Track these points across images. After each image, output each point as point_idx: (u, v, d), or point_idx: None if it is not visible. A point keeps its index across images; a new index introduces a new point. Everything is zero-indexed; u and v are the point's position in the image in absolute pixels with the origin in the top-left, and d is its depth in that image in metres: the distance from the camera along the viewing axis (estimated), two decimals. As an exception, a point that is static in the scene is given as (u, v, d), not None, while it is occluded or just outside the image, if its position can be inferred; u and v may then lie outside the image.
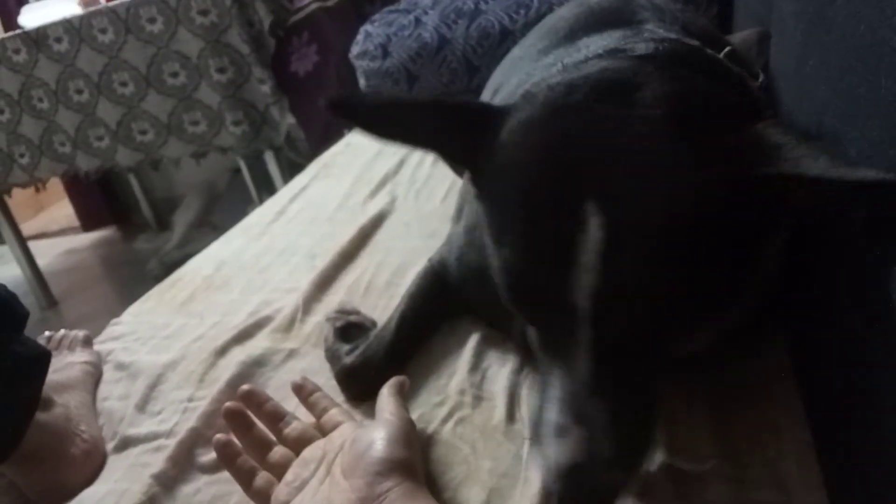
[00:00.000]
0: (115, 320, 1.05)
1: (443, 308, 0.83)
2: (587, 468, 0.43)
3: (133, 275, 2.67)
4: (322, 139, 2.02)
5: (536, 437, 0.48)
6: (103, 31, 2.08)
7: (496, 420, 0.70)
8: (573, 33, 0.76)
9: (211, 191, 2.91)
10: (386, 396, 0.66)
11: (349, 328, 0.84)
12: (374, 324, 0.86)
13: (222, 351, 0.89)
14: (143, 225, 3.22)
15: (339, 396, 0.74)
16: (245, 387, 0.71)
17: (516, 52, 1.03)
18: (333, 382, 0.78)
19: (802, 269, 0.62)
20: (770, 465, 0.57)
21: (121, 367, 0.92)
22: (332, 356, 0.81)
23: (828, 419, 0.58)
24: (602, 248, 0.41)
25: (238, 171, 2.66)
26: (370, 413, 0.68)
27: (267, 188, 2.31)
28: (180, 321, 1.00)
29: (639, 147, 0.44)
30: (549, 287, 0.44)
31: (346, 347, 0.80)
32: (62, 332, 1.00)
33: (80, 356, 0.93)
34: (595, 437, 0.43)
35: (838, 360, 0.54)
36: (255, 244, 1.21)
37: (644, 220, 0.42)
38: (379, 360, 0.76)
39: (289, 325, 0.92)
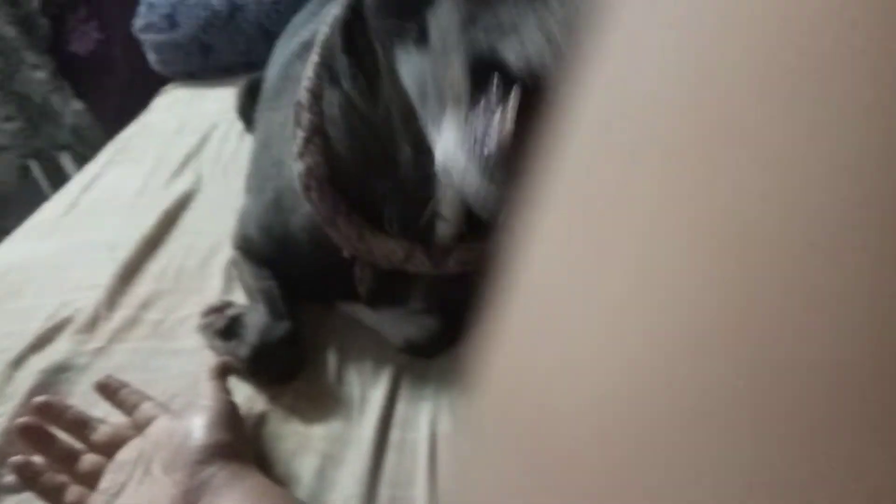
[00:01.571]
0: None
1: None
2: None
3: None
4: (115, 121, 1.87)
5: None
6: None
7: (324, 387, 0.70)
8: None
9: (-2, 193, 2.60)
10: (204, 382, 0.63)
11: (232, 325, 0.75)
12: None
13: (18, 362, 0.81)
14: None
15: (156, 392, 0.70)
16: (38, 398, 0.65)
17: (296, 19, 1.04)
18: (147, 376, 0.73)
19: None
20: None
21: None
22: (231, 357, 0.72)
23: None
24: None
25: (26, 168, 2.39)
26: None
27: (62, 182, 2.10)
28: (-34, 340, 0.89)
29: None
30: None
31: (234, 342, 0.72)
32: None
33: None
34: None
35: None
36: (45, 243, 1.09)
37: None
38: (272, 329, 0.70)
39: (92, 324, 0.84)
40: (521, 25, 0.40)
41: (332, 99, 0.63)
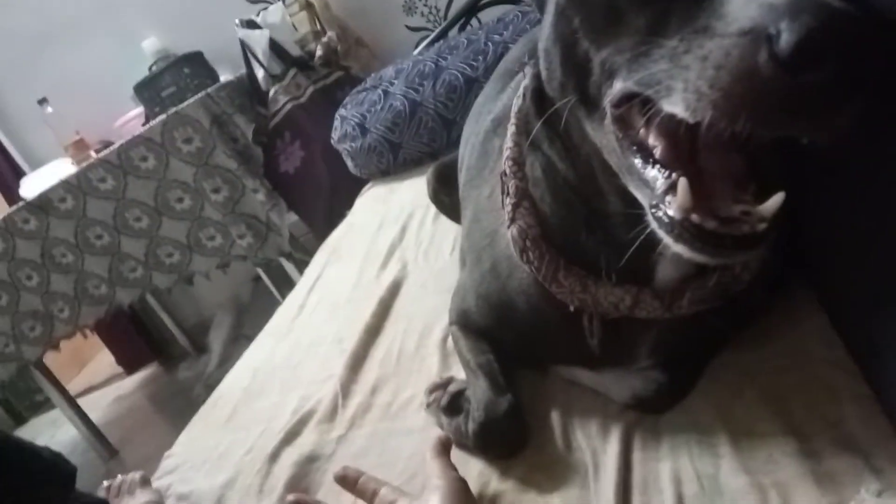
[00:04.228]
0: (167, 453, 1.06)
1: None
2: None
3: (183, 405, 2.68)
4: (326, 226, 2.05)
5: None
6: (102, 180, 2.16)
7: (554, 455, 0.69)
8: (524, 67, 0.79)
9: (237, 304, 2.95)
10: (430, 461, 0.65)
11: (455, 400, 0.77)
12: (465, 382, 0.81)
13: (274, 457, 0.89)
14: (183, 354, 3.25)
15: (395, 474, 0.73)
16: (290, 497, 0.71)
17: (479, 100, 1.07)
18: (385, 458, 0.78)
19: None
20: (834, 429, 0.55)
21: (182, 497, 0.92)
22: (457, 435, 0.73)
23: (872, 354, 0.55)
24: None
25: (258, 278, 2.70)
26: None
27: (289, 287, 2.34)
28: (229, 438, 1.01)
29: None
30: None
31: (460, 418, 0.74)
32: (119, 477, 1.01)
33: (141, 497, 0.94)
34: None
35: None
36: (283, 343, 1.21)
37: None
38: (496, 404, 0.70)
39: (332, 414, 0.91)
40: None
41: (533, 163, 0.65)
